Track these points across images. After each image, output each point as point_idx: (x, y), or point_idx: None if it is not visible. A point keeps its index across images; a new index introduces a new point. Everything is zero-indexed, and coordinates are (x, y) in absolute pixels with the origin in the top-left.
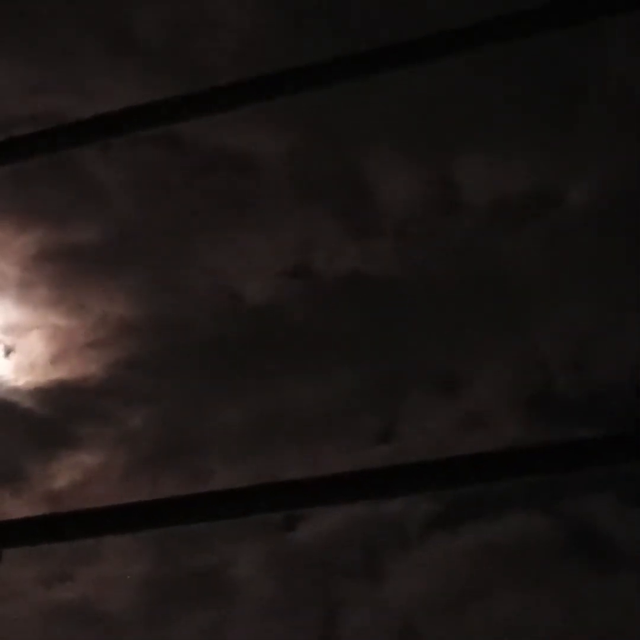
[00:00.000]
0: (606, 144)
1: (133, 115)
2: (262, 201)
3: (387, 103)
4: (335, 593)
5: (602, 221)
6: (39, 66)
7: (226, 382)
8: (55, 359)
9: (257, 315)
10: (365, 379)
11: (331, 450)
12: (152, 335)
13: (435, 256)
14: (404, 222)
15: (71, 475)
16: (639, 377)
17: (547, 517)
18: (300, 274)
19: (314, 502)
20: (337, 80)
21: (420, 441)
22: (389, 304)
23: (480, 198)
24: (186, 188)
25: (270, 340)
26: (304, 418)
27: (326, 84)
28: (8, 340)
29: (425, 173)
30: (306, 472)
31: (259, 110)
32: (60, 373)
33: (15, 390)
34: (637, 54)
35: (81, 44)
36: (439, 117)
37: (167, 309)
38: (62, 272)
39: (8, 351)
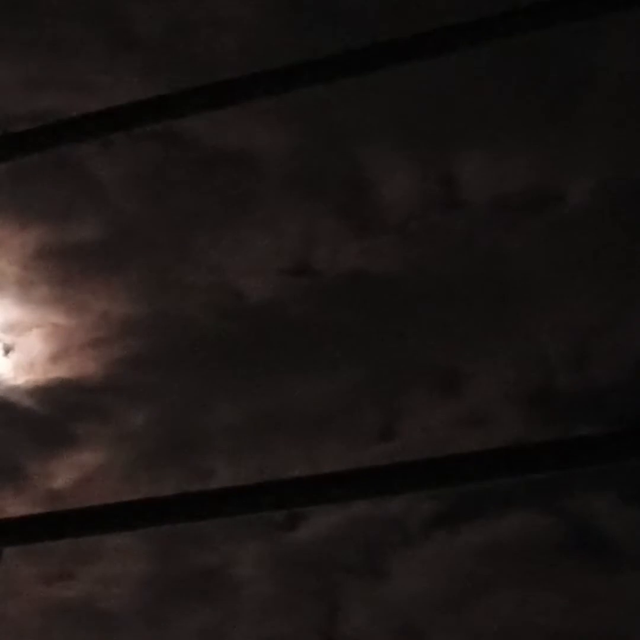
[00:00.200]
0: (607, 141)
1: (133, 111)
2: (264, 198)
3: (389, 99)
4: (336, 591)
5: (603, 218)
6: (38, 63)
7: (227, 380)
8: (55, 358)
9: (258, 313)
10: (367, 377)
11: (332, 448)
12: (153, 333)
13: (437, 253)
14: (406, 219)
15: (71, 473)
16: None
17: (548, 515)
18: (301, 271)
19: (316, 500)
20: (338, 76)
21: (421, 439)
22: (391, 301)
23: (482, 195)
24: (187, 185)
25: (272, 337)
26: (305, 416)
27: (327, 80)
28: (8, 339)
29: (427, 170)
30: (307, 470)
31: (260, 107)
32: (60, 371)
33: (15, 388)
34: (637, 50)
35: (81, 40)
36: (440, 113)
37: (168, 307)
38: (62, 270)
39: (8, 350)
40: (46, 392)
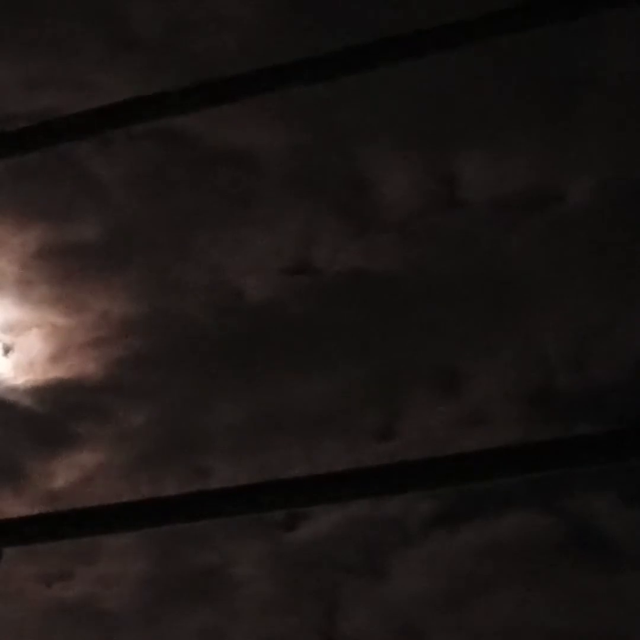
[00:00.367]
0: (607, 141)
1: (133, 108)
2: (264, 197)
3: (389, 99)
4: (336, 591)
5: (603, 218)
6: (38, 62)
7: (227, 380)
8: (55, 357)
9: (258, 312)
10: (367, 376)
11: (332, 447)
12: (153, 332)
13: (437, 253)
14: (406, 219)
15: (71, 473)
16: None
17: (548, 515)
18: (301, 270)
19: (315, 500)
20: (338, 74)
21: (421, 438)
22: (391, 301)
23: (482, 194)
24: (187, 184)
25: (272, 337)
26: (305, 415)
27: (327, 78)
28: (7, 339)
29: (427, 169)
30: (307, 470)
31: (259, 106)
32: (59, 371)
33: (15, 388)
34: (637, 50)
35: (81, 40)
36: (440, 113)
37: (168, 306)
38: (62, 269)
39: (7, 349)
40: (46, 392)
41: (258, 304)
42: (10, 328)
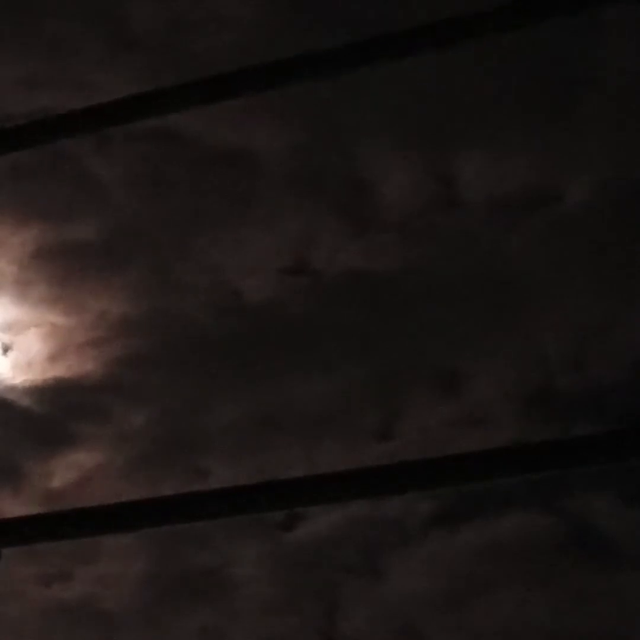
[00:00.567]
0: (607, 141)
1: (132, 106)
2: (263, 197)
3: (389, 98)
4: (336, 591)
5: (603, 218)
6: (37, 62)
7: (227, 380)
8: (54, 357)
9: (257, 312)
10: (366, 376)
11: (332, 447)
12: (152, 332)
13: (437, 253)
14: (406, 219)
15: (70, 473)
16: None
17: (548, 515)
18: (301, 270)
19: (315, 500)
20: (338, 73)
21: (421, 439)
22: (391, 301)
23: (482, 194)
24: (186, 184)
25: (270, 337)
26: (304, 415)
27: (327, 77)
28: (6, 338)
29: (427, 169)
30: (306, 470)
31: (259, 105)
32: (58, 371)
33: (13, 388)
34: (637, 50)
35: (80, 39)
36: (440, 112)
37: (167, 306)
38: (60, 269)
39: (6, 349)
40: (44, 392)
41: (258, 304)
42: (9, 327)
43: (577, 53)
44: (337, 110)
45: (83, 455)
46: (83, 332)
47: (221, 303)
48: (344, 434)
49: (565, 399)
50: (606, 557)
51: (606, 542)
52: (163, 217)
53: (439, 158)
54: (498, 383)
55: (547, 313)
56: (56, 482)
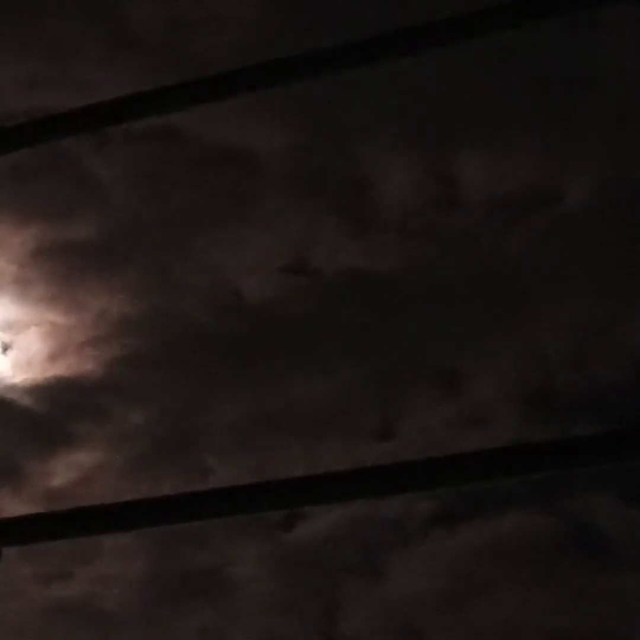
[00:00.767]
0: (607, 141)
1: (132, 104)
2: (263, 196)
3: (389, 98)
4: (336, 591)
5: (603, 218)
6: (36, 61)
7: (227, 380)
8: (54, 356)
9: (257, 312)
10: (367, 376)
11: (332, 447)
12: (151, 332)
13: (437, 252)
14: (406, 218)
15: (70, 472)
16: None
17: (548, 515)
18: (301, 270)
19: (315, 500)
20: (338, 72)
21: (420, 438)
22: (391, 300)
23: (482, 194)
24: (186, 183)
25: (270, 336)
26: (304, 415)
27: (327, 77)
28: (6, 337)
29: (427, 169)
30: (306, 470)
31: (258, 104)
32: (58, 370)
33: (13, 387)
34: (637, 50)
35: (80, 39)
36: (441, 112)
37: (167, 306)
38: (61, 268)
39: (5, 348)
40: (44, 391)
41: (258, 303)
42: (9, 326)
43: (577, 53)
44: (337, 110)
45: (83, 454)
46: (83, 331)
47: (221, 303)
48: (344, 434)
49: (565, 399)
50: (606, 557)
51: (606, 542)
52: (163, 217)
53: (439, 158)
54: (498, 383)
55: (547, 313)
56: (56, 482)
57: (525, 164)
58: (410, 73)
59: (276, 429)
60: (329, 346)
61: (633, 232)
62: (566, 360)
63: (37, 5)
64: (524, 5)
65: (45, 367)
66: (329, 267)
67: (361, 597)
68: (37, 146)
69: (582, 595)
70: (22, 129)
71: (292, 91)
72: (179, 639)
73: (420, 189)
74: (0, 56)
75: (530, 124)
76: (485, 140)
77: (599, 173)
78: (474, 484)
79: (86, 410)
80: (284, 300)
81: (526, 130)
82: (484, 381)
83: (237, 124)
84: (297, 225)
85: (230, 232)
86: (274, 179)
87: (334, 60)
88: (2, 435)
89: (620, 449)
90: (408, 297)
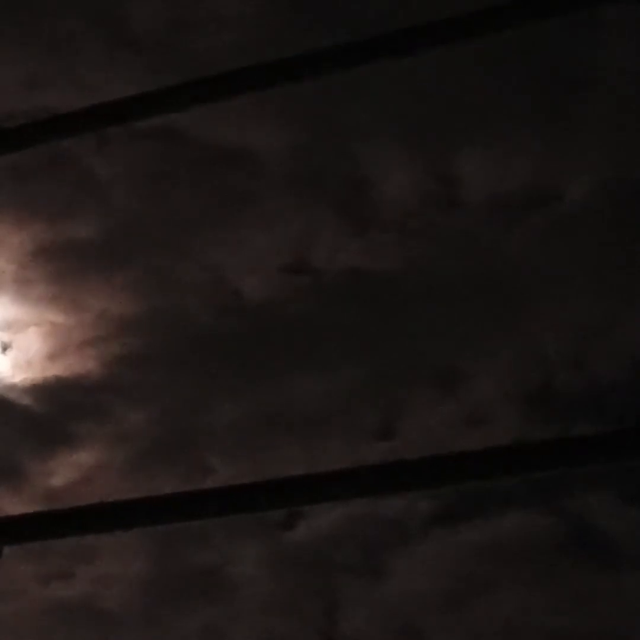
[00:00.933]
0: (607, 141)
1: (132, 104)
2: (263, 196)
3: (389, 98)
4: (335, 591)
5: (603, 218)
6: (36, 61)
7: (225, 379)
8: (53, 356)
9: (257, 311)
10: (367, 376)
11: (332, 446)
12: (151, 331)
13: (437, 252)
14: (406, 218)
15: (70, 472)
16: None
17: (548, 515)
18: (301, 269)
19: (315, 499)
20: (338, 71)
21: (420, 438)
22: (391, 300)
23: (482, 193)
24: (186, 183)
25: (270, 336)
26: (304, 414)
27: (326, 75)
28: (5, 337)
29: (426, 168)
30: (306, 469)
31: (258, 104)
32: (58, 370)
33: (13, 387)
34: (637, 50)
35: (80, 39)
36: (441, 112)
37: (167, 305)
38: (60, 268)
39: (5, 348)
40: (44, 390)
41: (258, 303)
42: (9, 326)
43: (577, 53)
44: (337, 110)
45: (83, 454)
46: (83, 331)
47: (221, 303)
48: (344, 434)
49: (565, 398)
50: (606, 557)
51: (606, 542)
52: (163, 217)
53: (439, 158)
54: (498, 383)
55: (547, 313)
56: (56, 481)
57: (525, 164)
58: (410, 73)
59: (276, 429)
60: (329, 346)
61: (633, 232)
62: (566, 360)
63: (37, 5)
64: (524, 5)
65: (45, 366)
66: (329, 267)
67: (361, 597)
68: (38, 146)
69: (582, 595)
70: (23, 129)
71: (292, 91)
72: (179, 639)
73: (421, 189)
74: (0, 56)
75: (530, 124)
76: (485, 140)
77: (599, 173)
78: (474, 483)
79: (86, 410)
80: (284, 300)
81: (526, 130)
82: (484, 381)
83: (237, 124)
84: (297, 225)
85: (230, 232)
86: (274, 179)
87: (334, 60)
88: (2, 435)
89: (620, 449)
90: (408, 297)
